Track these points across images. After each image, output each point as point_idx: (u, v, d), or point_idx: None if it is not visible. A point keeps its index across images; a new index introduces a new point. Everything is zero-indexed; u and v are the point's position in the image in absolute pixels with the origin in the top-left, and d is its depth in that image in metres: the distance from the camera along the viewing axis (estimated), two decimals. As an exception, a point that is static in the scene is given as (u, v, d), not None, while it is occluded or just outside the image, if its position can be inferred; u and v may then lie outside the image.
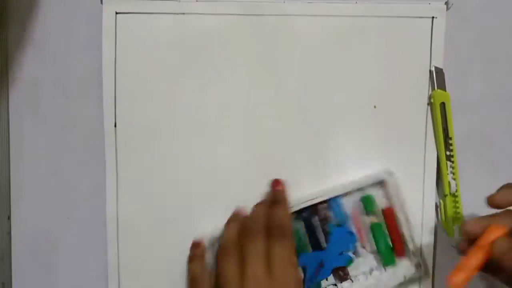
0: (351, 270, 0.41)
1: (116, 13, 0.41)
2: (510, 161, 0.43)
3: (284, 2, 0.41)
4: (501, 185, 0.42)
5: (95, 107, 0.41)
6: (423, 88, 0.41)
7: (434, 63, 0.41)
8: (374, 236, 0.41)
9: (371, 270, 0.41)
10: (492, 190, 0.43)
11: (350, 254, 0.41)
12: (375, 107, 0.42)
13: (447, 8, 0.41)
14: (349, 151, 0.42)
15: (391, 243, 0.41)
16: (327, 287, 0.40)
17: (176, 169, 0.42)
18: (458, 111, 0.43)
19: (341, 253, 0.40)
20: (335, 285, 0.40)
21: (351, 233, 0.41)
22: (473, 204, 0.42)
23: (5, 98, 0.42)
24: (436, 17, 0.41)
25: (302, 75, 0.41)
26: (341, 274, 0.40)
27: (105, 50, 0.41)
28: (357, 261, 0.41)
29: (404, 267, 0.41)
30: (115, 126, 0.41)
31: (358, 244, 0.41)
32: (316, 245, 0.40)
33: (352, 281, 0.40)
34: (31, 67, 0.42)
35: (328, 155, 0.42)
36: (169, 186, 0.42)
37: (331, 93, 0.42)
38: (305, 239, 0.40)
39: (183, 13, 0.41)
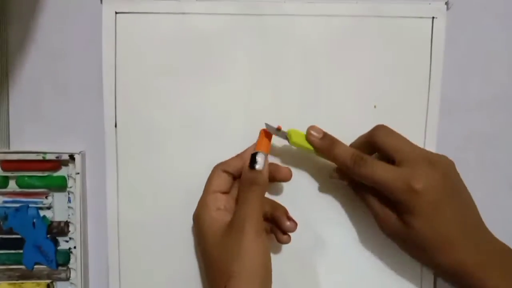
0: None
1: (116, 12, 0.41)
2: (510, 161, 0.43)
3: (285, 2, 0.41)
4: (501, 185, 0.43)
5: (95, 107, 0.41)
6: (423, 88, 0.41)
7: (434, 63, 0.41)
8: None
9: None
10: (492, 190, 0.43)
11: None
12: (375, 107, 0.42)
13: (447, 8, 0.41)
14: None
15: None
16: None
17: (177, 169, 0.41)
18: (458, 111, 0.43)
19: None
20: None
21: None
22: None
23: (5, 98, 0.42)
24: (437, 17, 0.41)
25: (302, 75, 0.41)
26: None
27: (105, 50, 0.41)
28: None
29: None
30: (115, 126, 0.41)
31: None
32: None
33: None
34: (31, 67, 0.42)
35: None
36: (169, 186, 0.42)
37: (331, 93, 0.41)
38: None
39: (183, 13, 0.41)
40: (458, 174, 0.36)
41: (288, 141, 0.38)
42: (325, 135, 0.38)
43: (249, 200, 0.35)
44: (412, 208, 0.34)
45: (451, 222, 0.34)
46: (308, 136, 0.38)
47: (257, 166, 0.36)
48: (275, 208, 0.38)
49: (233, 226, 0.35)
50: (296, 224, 0.38)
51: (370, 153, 0.38)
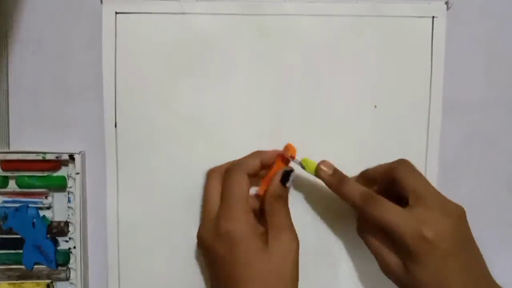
0: None
1: (116, 13, 0.41)
2: (511, 161, 0.43)
3: (285, 1, 0.41)
4: (501, 185, 0.43)
5: (95, 107, 0.41)
6: (424, 87, 0.41)
7: (435, 63, 0.41)
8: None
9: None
10: (493, 190, 0.43)
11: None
12: (375, 107, 0.42)
13: (447, 8, 0.41)
14: (349, 151, 0.42)
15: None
16: None
17: (176, 169, 0.41)
18: (458, 111, 0.43)
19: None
20: None
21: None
22: (474, 204, 0.42)
23: (5, 98, 0.42)
24: (437, 17, 0.41)
25: (302, 75, 0.41)
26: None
27: (105, 50, 0.41)
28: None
29: None
30: (115, 126, 0.41)
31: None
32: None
33: None
34: (31, 67, 0.42)
35: (328, 155, 0.41)
36: (169, 186, 0.41)
37: (331, 93, 0.41)
38: None
39: (183, 13, 0.41)
40: (468, 224, 0.35)
41: (304, 169, 0.39)
42: (335, 172, 0.38)
43: (282, 211, 0.37)
44: (418, 257, 0.33)
45: (458, 276, 0.33)
46: (318, 172, 0.38)
47: (288, 184, 0.38)
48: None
49: (273, 235, 0.36)
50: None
51: (386, 183, 0.37)
